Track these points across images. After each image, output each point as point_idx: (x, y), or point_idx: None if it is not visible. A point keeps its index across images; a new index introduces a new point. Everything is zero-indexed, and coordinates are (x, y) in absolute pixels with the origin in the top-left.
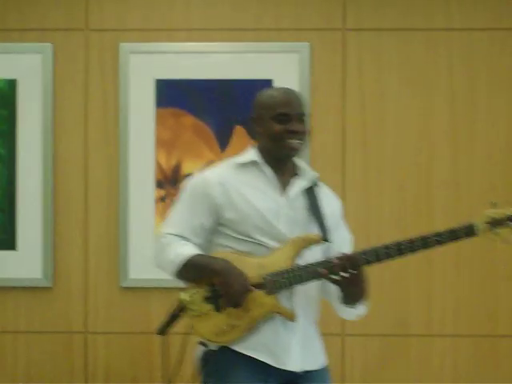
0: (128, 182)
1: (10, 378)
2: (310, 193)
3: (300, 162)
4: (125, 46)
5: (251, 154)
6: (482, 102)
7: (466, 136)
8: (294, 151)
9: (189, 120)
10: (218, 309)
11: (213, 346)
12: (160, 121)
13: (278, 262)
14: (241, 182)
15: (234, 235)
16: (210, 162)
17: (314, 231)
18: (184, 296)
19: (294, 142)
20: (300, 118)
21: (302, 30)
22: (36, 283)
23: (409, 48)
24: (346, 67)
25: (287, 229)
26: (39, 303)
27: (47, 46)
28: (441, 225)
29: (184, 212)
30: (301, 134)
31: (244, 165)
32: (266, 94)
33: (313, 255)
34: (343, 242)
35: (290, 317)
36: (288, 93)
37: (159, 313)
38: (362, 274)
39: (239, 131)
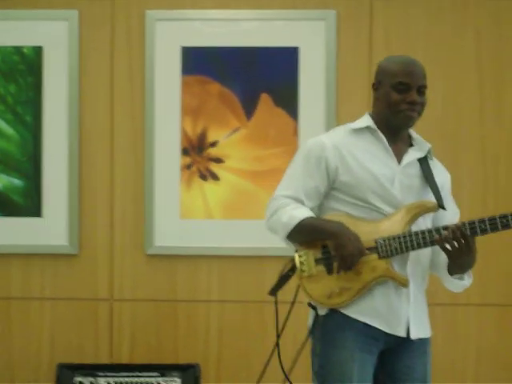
0: (154, 149)
1: (35, 344)
2: (424, 163)
3: (414, 132)
4: (151, 14)
5: (366, 119)
6: (510, 70)
7: (494, 104)
8: (409, 121)
9: (215, 87)
10: (329, 271)
11: (323, 310)
12: (186, 88)
13: (392, 226)
14: (356, 147)
15: (347, 199)
16: (235, 130)
17: (429, 199)
18: (296, 257)
19: (410, 112)
20: (420, 89)
21: None
22: (62, 250)
23: (436, 17)
24: (372, 36)
25: (402, 195)
26: (65, 270)
27: (73, 13)
28: (467, 193)
29: (299, 174)
30: (418, 106)
31: (359, 130)
32: (389, 61)
33: (425, 223)
34: (453, 215)
35: (403, 282)
36: (412, 63)
37: (184, 280)
38: (471, 245)
39: (265, 99)
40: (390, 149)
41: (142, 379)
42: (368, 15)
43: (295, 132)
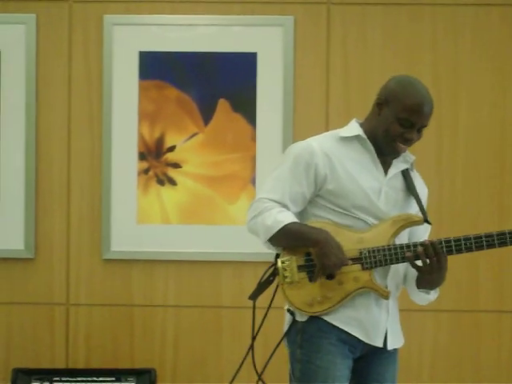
0: (111, 154)
1: None
2: (407, 175)
3: None
4: (109, 18)
5: (355, 128)
6: (465, 77)
7: (450, 110)
8: (397, 154)
9: (172, 92)
10: (311, 279)
11: (302, 316)
12: (143, 93)
13: (376, 238)
14: (344, 156)
15: (331, 207)
16: (193, 135)
17: (413, 212)
18: (278, 262)
19: (401, 147)
20: (421, 128)
21: (286, 3)
22: (18, 254)
23: (393, 22)
24: (330, 41)
25: (387, 208)
26: (21, 274)
27: (31, 17)
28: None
29: (286, 178)
30: (412, 142)
31: (348, 138)
32: (405, 89)
33: (404, 236)
34: (425, 230)
35: (385, 295)
36: (425, 101)
37: (141, 285)
38: (442, 263)
39: (223, 104)
40: (377, 160)
41: None
42: (325, 21)
43: (253, 138)
